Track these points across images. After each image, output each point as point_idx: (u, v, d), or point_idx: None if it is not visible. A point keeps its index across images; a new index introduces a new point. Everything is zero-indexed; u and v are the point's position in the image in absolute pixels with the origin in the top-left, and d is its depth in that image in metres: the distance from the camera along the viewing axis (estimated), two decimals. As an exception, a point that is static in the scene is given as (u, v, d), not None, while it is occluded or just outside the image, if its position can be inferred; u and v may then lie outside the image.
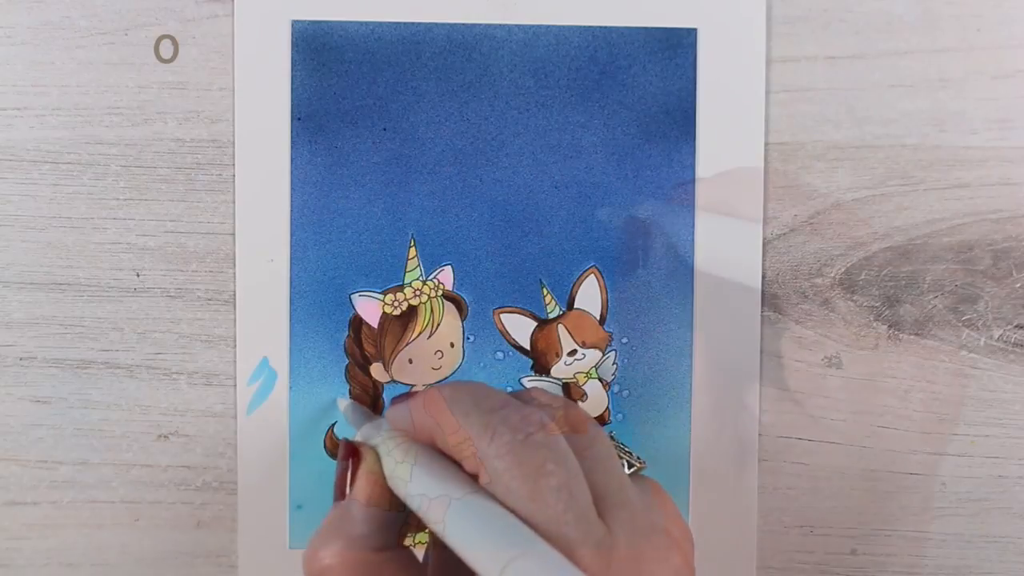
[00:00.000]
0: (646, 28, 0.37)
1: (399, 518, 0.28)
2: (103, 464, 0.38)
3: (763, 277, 0.38)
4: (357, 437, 0.30)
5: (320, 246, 0.37)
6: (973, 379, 0.39)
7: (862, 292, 0.38)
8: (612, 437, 0.27)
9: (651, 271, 0.38)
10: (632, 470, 0.30)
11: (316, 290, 0.37)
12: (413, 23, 0.37)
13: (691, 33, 0.37)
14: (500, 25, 0.37)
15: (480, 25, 0.37)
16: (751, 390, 0.38)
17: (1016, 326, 0.38)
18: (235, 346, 0.37)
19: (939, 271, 0.38)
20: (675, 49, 0.38)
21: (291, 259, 0.37)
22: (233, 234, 0.37)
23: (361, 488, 0.28)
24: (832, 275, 0.38)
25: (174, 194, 0.37)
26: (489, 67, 0.37)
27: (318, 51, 0.37)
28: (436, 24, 0.37)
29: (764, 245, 0.38)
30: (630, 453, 0.31)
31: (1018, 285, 0.38)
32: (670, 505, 0.27)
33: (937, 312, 0.38)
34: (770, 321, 0.38)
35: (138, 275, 0.37)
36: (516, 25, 0.37)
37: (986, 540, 0.39)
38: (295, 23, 0.37)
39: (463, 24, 0.37)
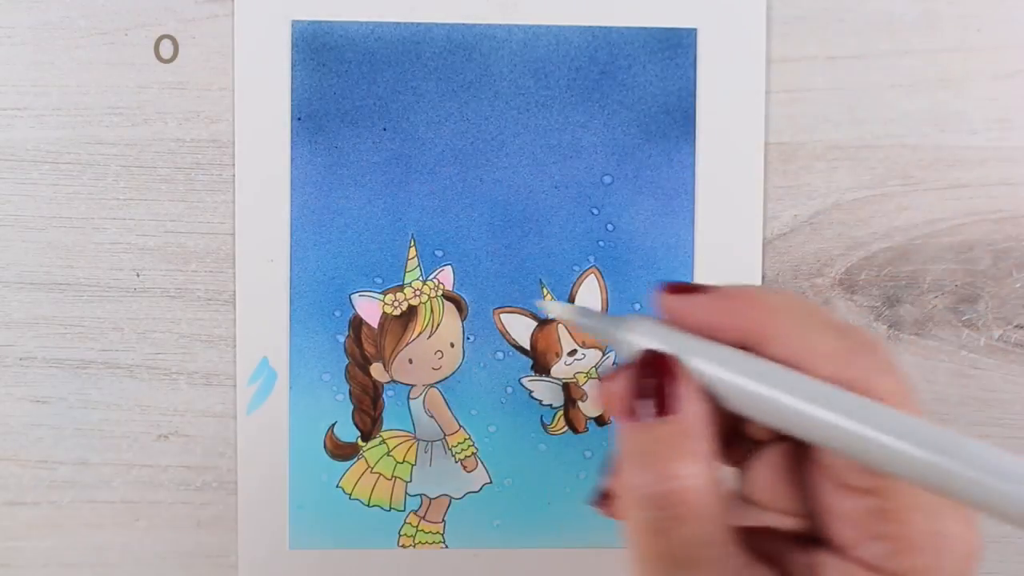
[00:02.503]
0: (646, 28, 0.37)
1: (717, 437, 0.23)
2: (103, 464, 0.38)
3: (763, 277, 0.38)
4: (642, 343, 0.23)
5: (320, 246, 0.37)
6: (973, 379, 0.38)
7: (862, 292, 0.38)
8: None
9: (651, 271, 0.38)
10: None
11: (316, 290, 0.37)
12: (413, 23, 0.37)
13: (691, 33, 0.37)
14: (500, 25, 0.37)
15: (480, 25, 0.37)
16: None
17: (1016, 326, 0.38)
18: (235, 346, 0.37)
19: (939, 271, 0.38)
20: (675, 49, 0.38)
21: (291, 259, 0.37)
22: (233, 234, 0.37)
23: (697, 406, 0.22)
24: (832, 275, 0.38)
25: (174, 194, 0.37)
26: (489, 67, 0.37)
27: (318, 51, 0.37)
28: (436, 24, 0.37)
29: (764, 245, 0.38)
30: None
31: (1018, 285, 0.38)
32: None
33: (937, 312, 0.38)
34: (770, 321, 0.38)
35: (138, 275, 0.37)
36: (516, 25, 0.37)
37: (986, 540, 0.39)
38: (295, 23, 0.37)
39: (463, 24, 0.37)
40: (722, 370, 0.22)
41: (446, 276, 0.38)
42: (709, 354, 0.23)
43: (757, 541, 0.24)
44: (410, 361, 0.38)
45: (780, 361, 0.22)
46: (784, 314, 0.23)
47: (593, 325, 0.24)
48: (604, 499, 0.25)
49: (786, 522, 0.25)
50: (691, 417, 0.22)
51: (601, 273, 0.38)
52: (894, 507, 0.22)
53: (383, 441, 0.38)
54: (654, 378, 0.23)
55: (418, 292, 0.38)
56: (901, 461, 0.21)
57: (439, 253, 0.38)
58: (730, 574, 0.22)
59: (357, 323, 0.38)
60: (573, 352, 0.38)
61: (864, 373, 0.22)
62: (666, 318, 0.23)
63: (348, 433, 0.38)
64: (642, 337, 0.23)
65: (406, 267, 0.38)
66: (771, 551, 0.24)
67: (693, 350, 0.23)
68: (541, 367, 0.38)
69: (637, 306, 0.38)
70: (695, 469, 0.22)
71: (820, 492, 0.23)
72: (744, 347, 0.23)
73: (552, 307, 0.25)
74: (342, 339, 0.38)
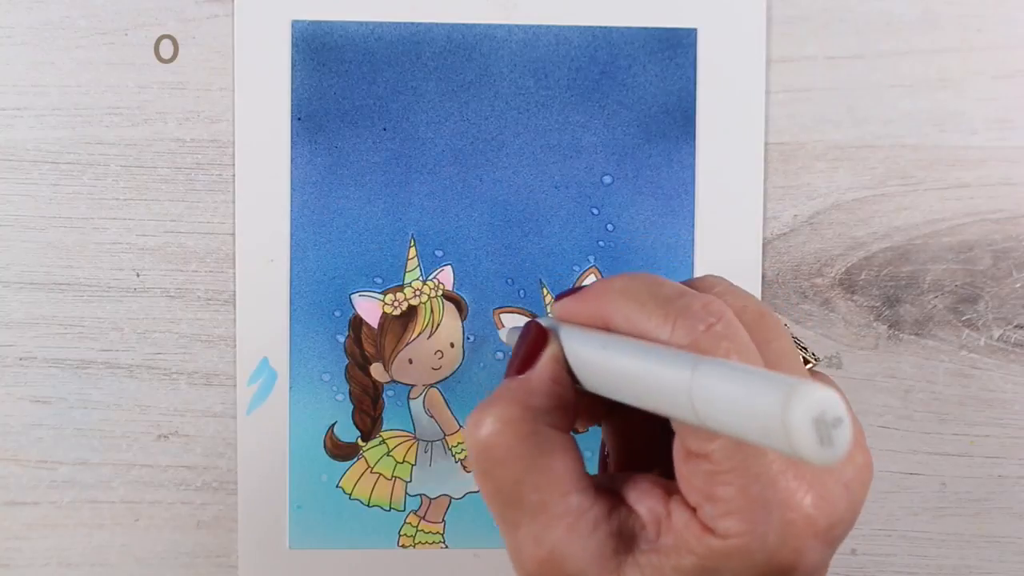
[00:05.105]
0: (646, 28, 0.37)
1: (574, 407, 0.27)
2: (103, 464, 0.38)
3: (763, 277, 0.38)
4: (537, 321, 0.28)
5: (320, 246, 0.37)
6: (973, 379, 0.39)
7: (862, 292, 0.38)
8: (786, 328, 0.26)
9: (651, 271, 0.38)
10: (808, 366, 0.29)
11: (316, 290, 0.37)
12: (413, 23, 0.37)
13: (691, 33, 0.37)
14: (500, 25, 0.37)
15: (480, 25, 0.37)
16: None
17: (1016, 326, 0.38)
18: (235, 346, 0.37)
19: (939, 271, 0.38)
20: (675, 49, 0.38)
21: (291, 259, 0.37)
22: (233, 234, 0.37)
23: (545, 366, 0.26)
24: (832, 275, 0.38)
25: (174, 194, 0.37)
26: (489, 67, 0.37)
27: (318, 51, 0.37)
28: (436, 24, 0.37)
29: (764, 245, 0.38)
30: (806, 348, 0.30)
31: (1018, 285, 0.38)
32: (848, 405, 0.27)
33: (937, 312, 0.38)
34: (770, 321, 0.38)
35: (138, 275, 0.37)
36: (516, 25, 0.37)
37: (986, 540, 0.39)
38: (295, 23, 0.37)
39: (463, 24, 0.37)
40: (568, 342, 0.26)
41: (446, 276, 0.38)
42: (565, 331, 0.27)
43: (624, 486, 0.26)
44: (410, 361, 0.38)
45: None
46: (620, 295, 0.25)
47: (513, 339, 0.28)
48: None
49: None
50: (537, 375, 0.26)
51: (601, 273, 0.38)
52: (722, 470, 0.23)
53: (383, 441, 0.38)
54: (523, 347, 0.27)
55: (418, 292, 0.38)
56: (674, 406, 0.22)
57: (439, 253, 0.38)
58: (565, 514, 0.24)
59: (357, 323, 0.38)
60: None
61: (688, 338, 0.23)
62: (557, 317, 0.28)
63: (348, 433, 0.38)
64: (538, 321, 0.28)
65: (406, 267, 0.38)
66: (635, 498, 0.25)
67: (558, 328, 0.27)
68: (541, 367, 0.38)
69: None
70: (510, 415, 0.25)
71: (675, 455, 0.25)
72: (605, 329, 0.26)
73: (501, 334, 0.31)
74: (342, 339, 0.38)
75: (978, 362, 0.38)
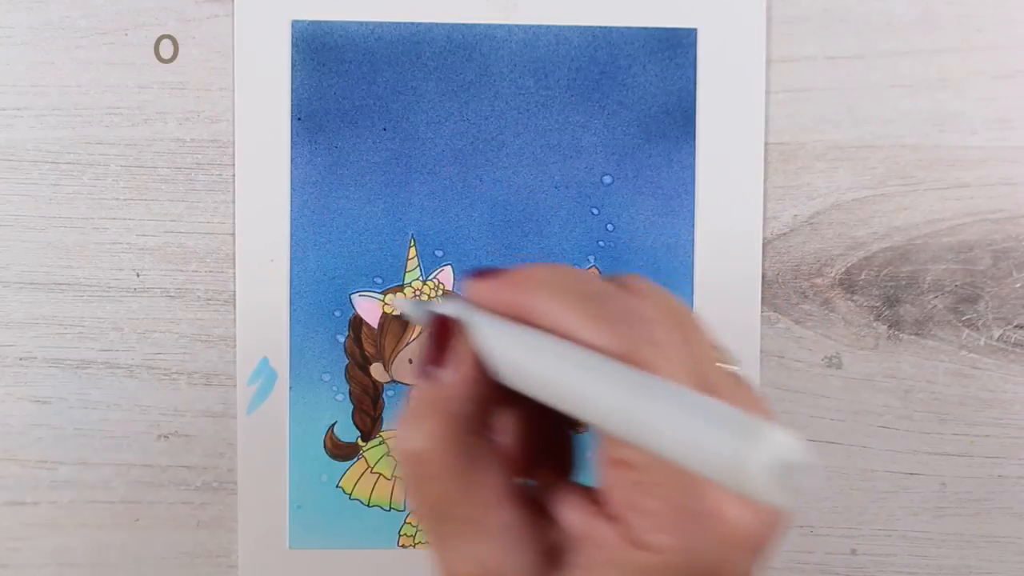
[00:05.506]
0: (646, 28, 0.37)
1: (494, 403, 0.25)
2: (103, 464, 0.38)
3: (763, 277, 0.38)
4: (443, 312, 0.27)
5: (320, 246, 0.37)
6: (973, 379, 0.39)
7: (862, 292, 0.38)
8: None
9: (651, 271, 0.38)
10: (729, 367, 0.29)
11: (316, 290, 0.37)
12: (413, 23, 0.37)
13: (691, 33, 0.37)
14: (500, 25, 0.37)
15: (480, 25, 0.37)
16: (751, 390, 0.38)
17: (1016, 326, 0.38)
18: (235, 346, 0.37)
19: (939, 271, 0.38)
20: (675, 49, 0.38)
21: (291, 259, 0.37)
22: (233, 234, 0.37)
23: (463, 367, 0.25)
24: (832, 275, 0.38)
25: (174, 194, 0.37)
26: (489, 67, 0.37)
27: (318, 51, 0.37)
28: (436, 24, 0.37)
29: (764, 245, 0.38)
30: (725, 350, 0.30)
31: (1018, 285, 0.38)
32: (763, 404, 0.26)
33: (937, 312, 0.38)
34: (770, 321, 0.38)
35: (138, 275, 0.37)
36: (516, 25, 0.37)
37: (986, 540, 0.39)
38: (295, 23, 0.37)
39: (463, 24, 0.37)
40: (487, 336, 0.24)
41: (446, 276, 0.38)
42: (482, 323, 0.25)
43: (551, 500, 0.25)
44: (410, 361, 0.38)
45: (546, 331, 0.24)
46: (544, 288, 0.24)
47: (416, 313, 0.27)
48: None
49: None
50: (454, 379, 0.24)
51: (601, 273, 0.38)
52: (648, 480, 0.22)
53: (383, 441, 0.38)
54: (433, 341, 0.25)
55: (418, 292, 0.38)
56: (609, 419, 0.21)
57: (439, 253, 0.38)
58: (497, 530, 0.24)
59: (357, 323, 0.38)
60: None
61: (617, 343, 0.23)
62: (470, 300, 0.26)
63: (348, 433, 0.38)
64: (442, 309, 0.26)
65: (406, 267, 0.38)
66: (560, 511, 0.24)
67: (472, 319, 0.25)
68: (541, 367, 0.38)
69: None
70: (439, 431, 0.24)
71: (599, 461, 0.24)
72: (526, 323, 0.24)
73: (397, 303, 0.29)
74: (342, 339, 0.38)
75: (978, 362, 0.38)
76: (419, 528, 0.25)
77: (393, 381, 0.38)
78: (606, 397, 0.21)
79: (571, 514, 0.24)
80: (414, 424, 0.24)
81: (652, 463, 0.22)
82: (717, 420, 0.19)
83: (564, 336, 0.23)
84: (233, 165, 0.37)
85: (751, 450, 0.18)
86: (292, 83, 0.37)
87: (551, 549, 0.24)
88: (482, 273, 0.26)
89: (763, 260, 0.38)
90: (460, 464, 0.24)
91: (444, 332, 0.25)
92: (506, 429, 0.28)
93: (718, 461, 0.18)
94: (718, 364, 0.25)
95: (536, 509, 0.25)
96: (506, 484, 0.24)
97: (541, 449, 0.27)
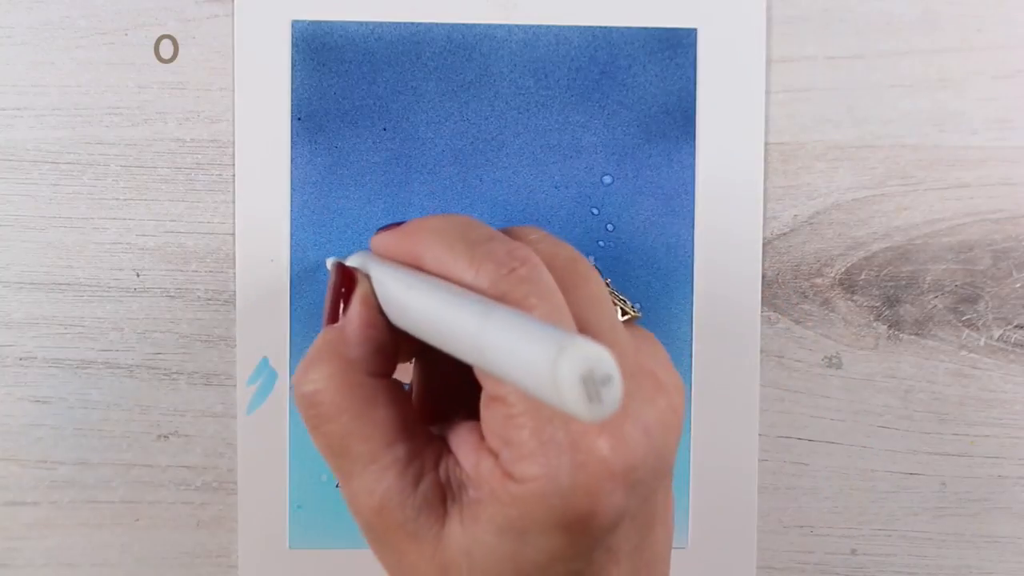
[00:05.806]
0: (646, 28, 0.37)
1: (392, 346, 0.27)
2: (103, 464, 0.38)
3: (763, 277, 0.38)
4: (349, 263, 0.29)
5: (320, 246, 0.37)
6: (973, 379, 0.39)
7: (862, 292, 0.38)
8: (608, 284, 0.26)
9: (651, 271, 0.38)
10: (625, 318, 0.29)
11: (316, 290, 0.37)
12: (413, 23, 0.37)
13: (691, 33, 0.37)
14: (500, 25, 0.37)
15: (480, 25, 0.37)
16: (751, 390, 0.38)
17: (1016, 326, 0.38)
18: (235, 346, 0.37)
19: (939, 271, 0.38)
20: (675, 49, 0.38)
21: (291, 259, 0.37)
22: (233, 234, 0.37)
23: (357, 312, 0.26)
24: (832, 275, 0.38)
25: (174, 194, 0.37)
26: (489, 67, 0.37)
27: (318, 51, 0.37)
28: (436, 24, 0.37)
29: (764, 245, 0.38)
30: (625, 301, 0.30)
31: (1018, 285, 0.38)
32: (662, 353, 0.27)
33: (937, 312, 0.38)
34: (770, 321, 0.38)
35: (138, 275, 0.37)
36: (516, 25, 0.37)
37: (986, 540, 0.39)
38: (295, 23, 0.37)
39: (463, 24, 0.37)
40: (380, 283, 0.26)
41: (446, 276, 0.38)
42: (377, 270, 0.26)
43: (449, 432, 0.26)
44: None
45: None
46: (432, 234, 0.26)
47: (330, 267, 0.29)
48: None
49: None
50: (349, 324, 0.26)
51: (601, 273, 0.38)
52: (516, 413, 0.23)
53: (383, 441, 0.38)
54: (334, 291, 0.27)
55: (418, 292, 0.38)
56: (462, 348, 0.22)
57: (439, 253, 0.38)
58: (393, 464, 0.25)
59: (357, 323, 0.38)
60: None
61: (489, 282, 0.24)
62: (373, 252, 0.28)
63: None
64: (347, 261, 0.28)
65: (406, 267, 0.38)
66: (456, 449, 0.25)
67: (370, 268, 0.27)
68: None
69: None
70: (333, 372, 0.25)
71: (481, 401, 0.24)
72: (418, 269, 0.26)
73: (328, 262, 0.31)
74: (342, 339, 0.38)
75: (978, 362, 0.38)
76: (329, 465, 0.27)
77: (393, 381, 0.38)
78: (459, 326, 0.22)
79: (464, 450, 0.25)
80: (311, 367, 0.26)
81: (521, 397, 0.23)
82: (535, 337, 0.20)
83: (446, 278, 0.25)
84: (233, 165, 0.37)
85: (557, 361, 0.19)
86: (292, 83, 0.37)
87: (448, 483, 0.25)
88: (385, 227, 0.28)
89: (763, 260, 0.38)
90: (356, 404, 0.25)
91: (344, 282, 0.27)
92: (417, 374, 0.30)
93: (535, 376, 0.19)
94: (610, 309, 0.26)
95: (436, 445, 0.26)
96: (401, 420, 0.26)
97: (455, 395, 0.28)
